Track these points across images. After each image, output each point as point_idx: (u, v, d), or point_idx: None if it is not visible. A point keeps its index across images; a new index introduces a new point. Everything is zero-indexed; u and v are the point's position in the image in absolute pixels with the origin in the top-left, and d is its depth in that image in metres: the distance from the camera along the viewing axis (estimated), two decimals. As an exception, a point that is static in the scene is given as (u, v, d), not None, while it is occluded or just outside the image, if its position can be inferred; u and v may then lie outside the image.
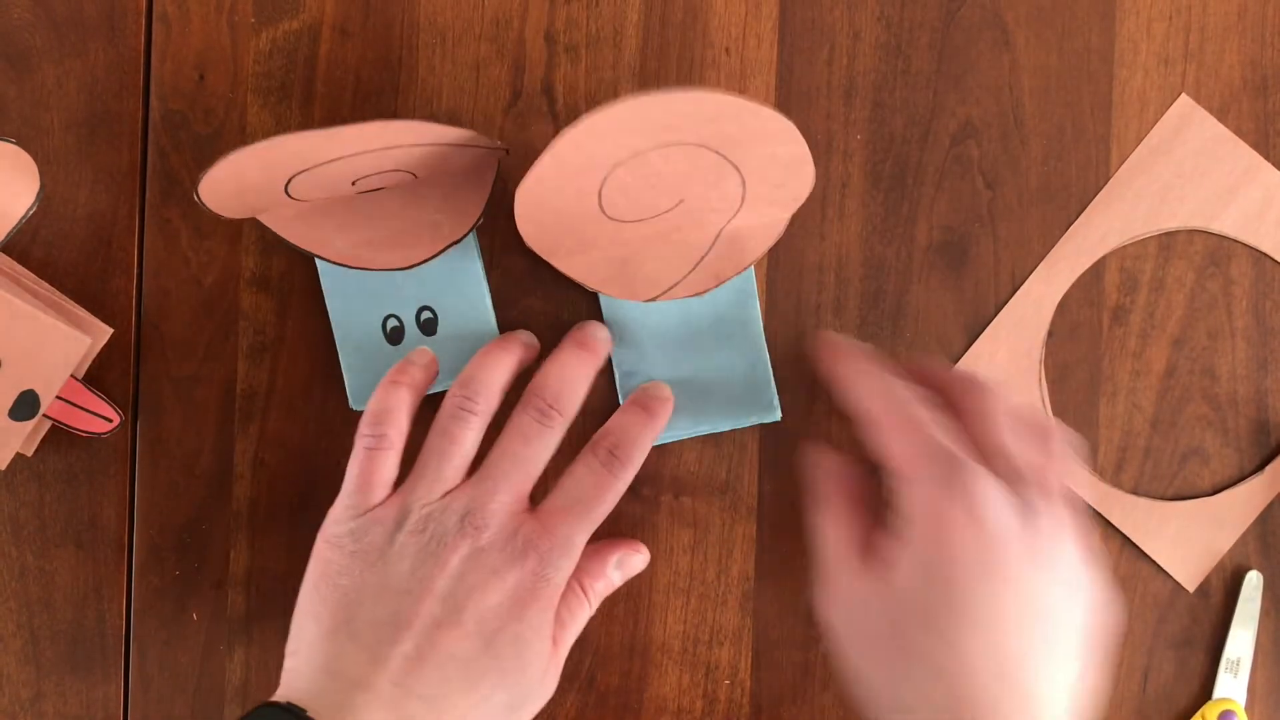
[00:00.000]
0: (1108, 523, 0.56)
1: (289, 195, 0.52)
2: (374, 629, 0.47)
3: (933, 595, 0.46)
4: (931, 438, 0.47)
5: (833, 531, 0.50)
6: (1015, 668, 0.45)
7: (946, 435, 0.47)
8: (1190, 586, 0.57)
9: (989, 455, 0.48)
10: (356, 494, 0.49)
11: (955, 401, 0.50)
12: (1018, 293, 0.56)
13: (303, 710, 0.45)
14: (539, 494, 0.51)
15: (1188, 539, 0.56)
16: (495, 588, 0.48)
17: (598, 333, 0.54)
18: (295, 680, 0.47)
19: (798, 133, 0.50)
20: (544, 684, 0.50)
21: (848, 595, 0.48)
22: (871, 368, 0.51)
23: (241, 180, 0.49)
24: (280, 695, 0.47)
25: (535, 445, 0.50)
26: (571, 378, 0.51)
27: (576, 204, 0.52)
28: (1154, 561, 0.56)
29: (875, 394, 0.50)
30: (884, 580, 0.47)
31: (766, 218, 0.54)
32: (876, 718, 0.47)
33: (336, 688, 0.46)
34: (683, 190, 0.52)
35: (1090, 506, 0.56)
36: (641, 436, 0.52)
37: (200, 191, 0.48)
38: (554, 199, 0.52)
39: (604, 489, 0.50)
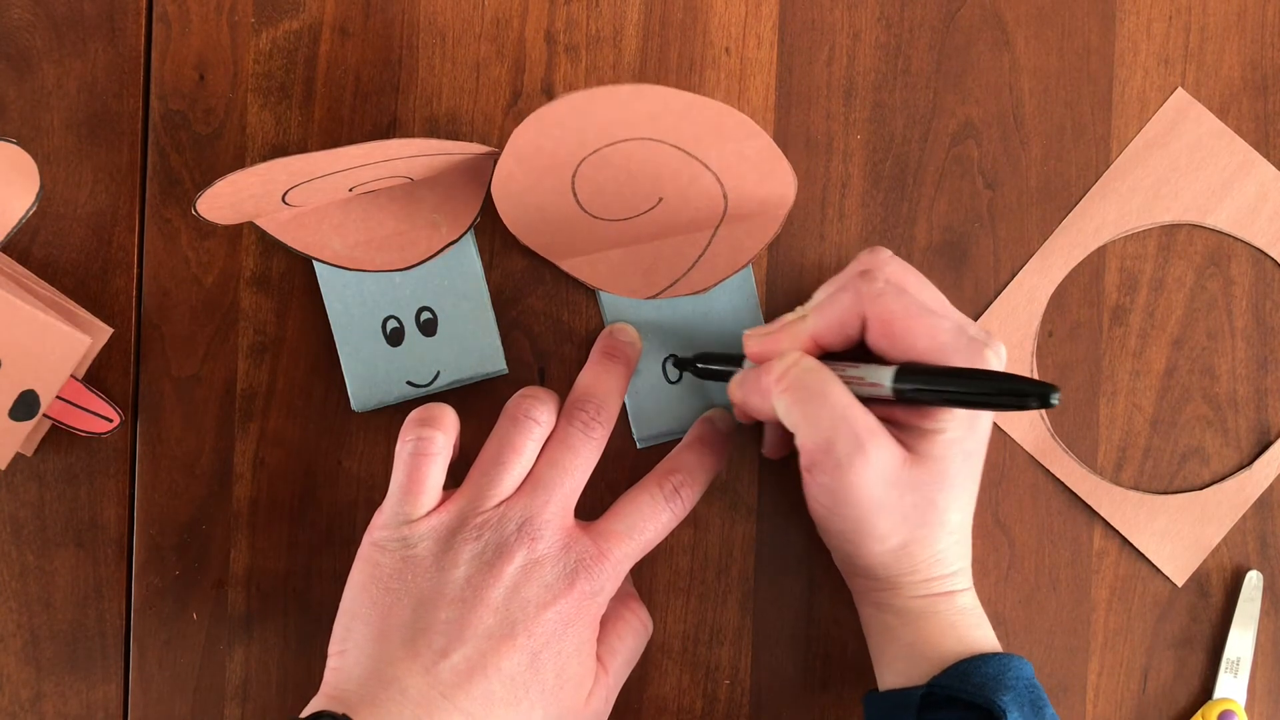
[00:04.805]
0: (1100, 518, 0.57)
1: (286, 203, 0.52)
2: (426, 636, 0.47)
3: (964, 468, 0.49)
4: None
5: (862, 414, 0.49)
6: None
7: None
8: (1179, 580, 0.57)
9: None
10: (405, 501, 0.49)
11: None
12: (1011, 284, 0.56)
13: None
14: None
15: (1176, 533, 0.56)
16: (546, 602, 0.48)
17: (624, 336, 0.54)
18: (344, 682, 0.47)
19: (757, 126, 0.51)
20: (589, 706, 0.50)
21: (892, 471, 0.48)
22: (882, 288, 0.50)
23: (239, 194, 0.49)
24: (326, 694, 0.47)
25: (582, 456, 0.50)
26: (609, 388, 0.52)
27: (556, 203, 0.52)
28: (1147, 558, 0.57)
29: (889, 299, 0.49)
30: (926, 458, 0.48)
31: (758, 216, 0.55)
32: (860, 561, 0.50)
33: (388, 695, 0.46)
34: (658, 189, 0.52)
35: (1080, 499, 0.56)
36: (706, 477, 0.53)
37: (199, 207, 0.49)
38: (531, 197, 0.52)
39: (663, 524, 0.51)
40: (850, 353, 0.50)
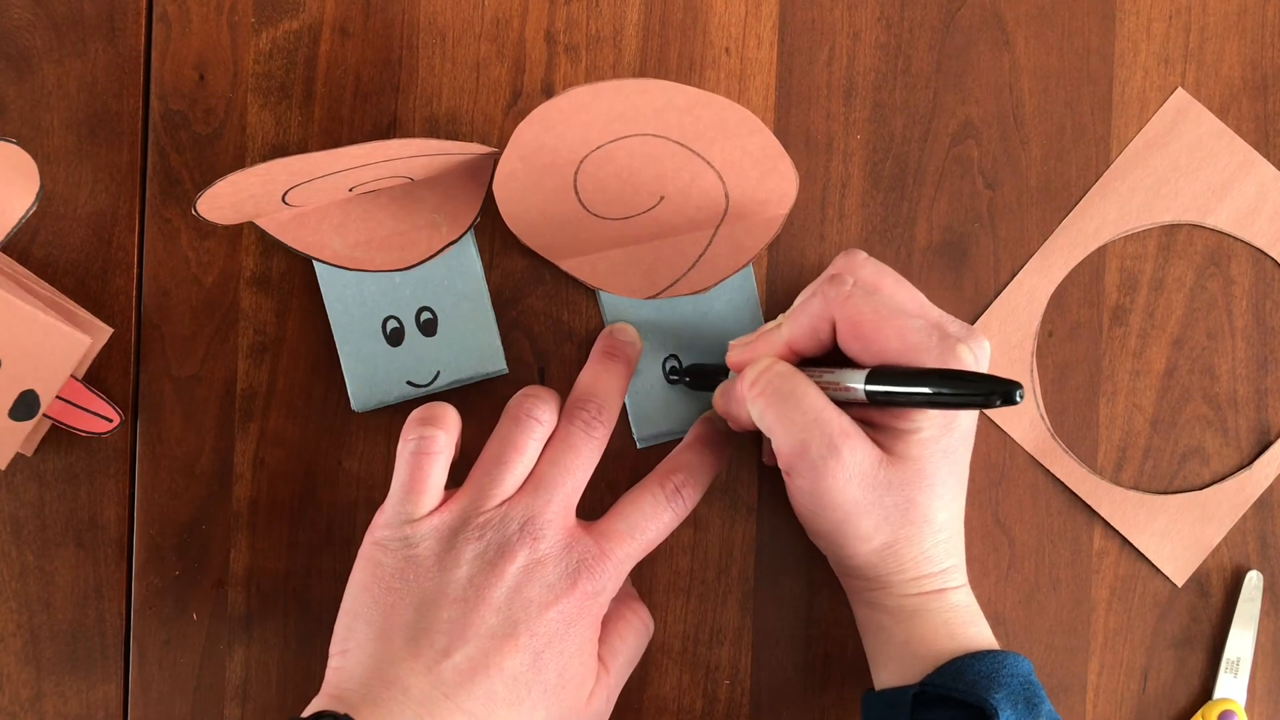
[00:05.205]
0: (1100, 518, 0.57)
1: (286, 203, 0.52)
2: (428, 636, 0.47)
3: (943, 466, 0.49)
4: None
5: (836, 416, 0.49)
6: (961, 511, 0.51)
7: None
8: (1179, 581, 0.57)
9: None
10: (406, 500, 0.49)
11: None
12: (1011, 284, 0.56)
13: None
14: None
15: (1176, 533, 0.56)
16: (548, 602, 0.48)
17: (624, 336, 0.54)
18: (345, 681, 0.47)
19: (760, 122, 0.51)
20: (591, 706, 0.49)
21: (868, 472, 0.48)
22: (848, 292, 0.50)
23: (239, 195, 0.49)
24: (328, 693, 0.47)
25: (584, 455, 0.50)
26: (609, 388, 0.52)
27: (558, 202, 0.53)
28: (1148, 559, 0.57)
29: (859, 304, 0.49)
30: (904, 458, 0.48)
31: (759, 215, 0.55)
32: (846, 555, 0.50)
33: (389, 695, 0.46)
34: (660, 187, 0.52)
35: (1081, 499, 0.56)
36: (707, 477, 0.53)
37: (199, 207, 0.49)
38: (533, 197, 0.52)
39: (665, 523, 0.51)
40: (830, 357, 0.50)
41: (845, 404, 0.48)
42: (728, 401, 0.52)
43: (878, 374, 0.47)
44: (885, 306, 0.48)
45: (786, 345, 0.50)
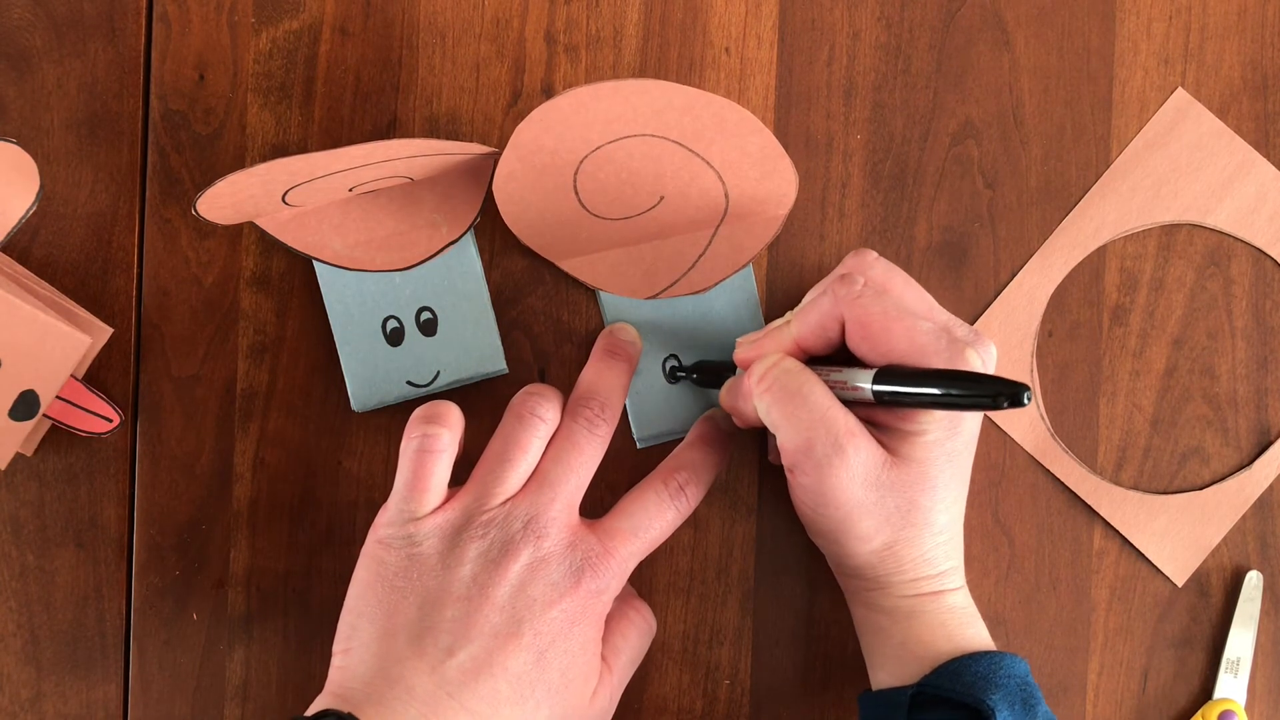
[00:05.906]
0: (1100, 518, 0.57)
1: (286, 203, 0.52)
2: (432, 635, 0.47)
3: (946, 469, 0.49)
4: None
5: (843, 416, 0.49)
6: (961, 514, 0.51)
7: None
8: (1179, 581, 0.57)
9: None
10: (410, 498, 0.49)
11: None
12: (1011, 284, 0.56)
13: None
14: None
15: (1176, 533, 0.56)
16: (552, 600, 0.48)
17: (625, 335, 0.54)
18: (349, 680, 0.47)
19: (759, 122, 0.51)
20: (594, 705, 0.50)
21: (872, 472, 0.48)
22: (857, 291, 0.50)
23: (239, 195, 0.49)
24: (332, 692, 0.47)
25: (587, 453, 0.50)
26: (612, 386, 0.52)
27: (558, 203, 0.53)
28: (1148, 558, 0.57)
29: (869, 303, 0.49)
30: (908, 460, 0.48)
31: (759, 215, 0.55)
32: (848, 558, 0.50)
33: (394, 694, 0.46)
34: (659, 187, 0.52)
35: (1081, 499, 0.56)
36: (710, 475, 0.53)
37: (199, 207, 0.49)
38: (533, 197, 0.52)
39: (668, 522, 0.51)
40: (838, 356, 0.50)
41: (852, 403, 0.48)
42: (734, 397, 0.52)
43: (885, 374, 0.47)
44: (895, 308, 0.48)
45: (795, 343, 0.50)
